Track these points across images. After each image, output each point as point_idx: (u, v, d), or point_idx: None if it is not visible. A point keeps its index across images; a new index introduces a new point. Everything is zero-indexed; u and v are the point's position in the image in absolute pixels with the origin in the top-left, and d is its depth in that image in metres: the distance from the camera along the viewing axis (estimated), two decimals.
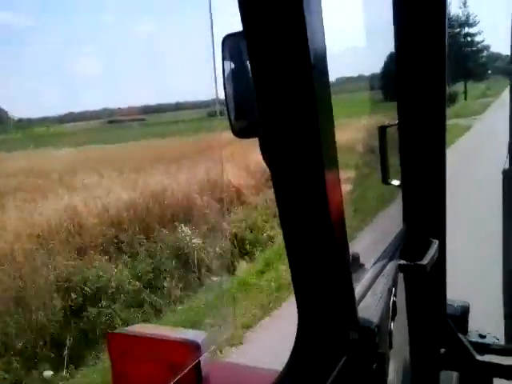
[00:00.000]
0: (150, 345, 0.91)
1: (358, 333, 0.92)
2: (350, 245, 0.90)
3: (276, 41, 0.67)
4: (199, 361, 0.87)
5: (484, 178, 8.00)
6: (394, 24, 1.30)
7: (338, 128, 0.80)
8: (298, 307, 0.88)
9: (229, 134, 0.91)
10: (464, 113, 29.95)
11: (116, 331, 1.04)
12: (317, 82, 0.68)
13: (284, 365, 0.89)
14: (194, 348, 0.86)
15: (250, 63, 0.69)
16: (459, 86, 43.66)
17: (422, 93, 1.35)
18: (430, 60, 1.31)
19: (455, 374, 1.77)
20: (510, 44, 2.31)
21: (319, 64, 0.69)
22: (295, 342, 0.89)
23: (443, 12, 1.28)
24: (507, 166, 2.20)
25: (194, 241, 7.06)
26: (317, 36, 0.68)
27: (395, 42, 1.32)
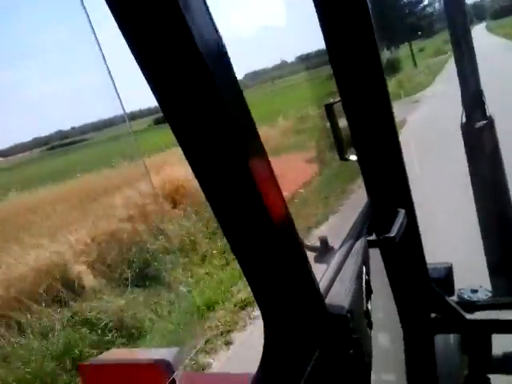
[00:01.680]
0: (122, 371, 0.91)
1: (328, 322, 0.91)
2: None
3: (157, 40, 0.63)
4: (173, 379, 0.88)
5: None
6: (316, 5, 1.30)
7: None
8: (260, 307, 0.86)
9: None
10: (404, 89, 21.41)
11: (88, 361, 1.04)
12: (224, 87, 0.66)
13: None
14: (165, 367, 0.86)
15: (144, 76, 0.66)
16: (404, 50, 36.83)
17: (356, 64, 1.34)
18: (356, 26, 1.30)
19: (453, 336, 1.81)
20: None
21: (222, 67, 0.67)
22: (264, 342, 0.88)
23: None
24: (464, 119, 2.25)
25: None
26: (210, 41, 0.65)
27: (320, 23, 1.32)
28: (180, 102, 0.68)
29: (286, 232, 0.80)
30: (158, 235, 8.66)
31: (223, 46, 0.68)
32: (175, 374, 0.86)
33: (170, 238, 8.65)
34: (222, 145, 0.70)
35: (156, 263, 7.78)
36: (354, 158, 1.53)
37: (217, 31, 0.67)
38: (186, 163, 0.72)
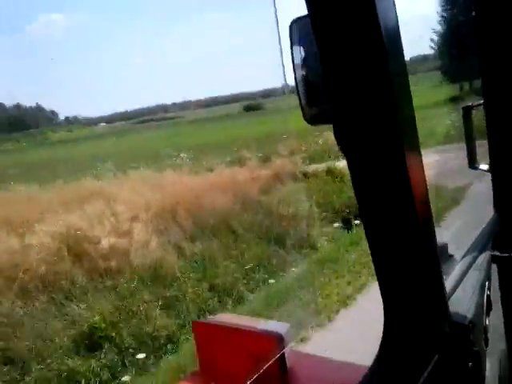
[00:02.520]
0: (234, 335, 0.94)
1: (449, 328, 0.89)
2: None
3: (345, 23, 0.64)
4: (283, 353, 0.89)
5: None
6: None
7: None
8: (384, 300, 0.85)
9: None
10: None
11: (201, 320, 1.10)
12: (392, 65, 0.65)
13: (371, 361, 0.87)
14: (277, 340, 0.87)
15: (318, 47, 0.67)
16: None
17: (509, 67, 1.26)
18: None
19: None
20: None
21: (393, 47, 0.66)
22: (383, 337, 0.87)
23: None
24: None
25: None
26: (389, 15, 0.64)
27: (475, 13, 1.25)
28: (348, 83, 0.67)
29: (425, 231, 0.78)
30: None
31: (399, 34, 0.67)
32: (286, 348, 0.87)
33: None
34: (381, 134, 0.69)
35: None
36: (484, 167, 1.45)
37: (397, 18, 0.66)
38: None
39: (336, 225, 7.99)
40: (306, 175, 10.11)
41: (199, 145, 16.00)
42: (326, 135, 11.86)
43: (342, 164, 9.89)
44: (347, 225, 7.72)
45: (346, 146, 0.73)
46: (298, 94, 0.81)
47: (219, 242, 7.23)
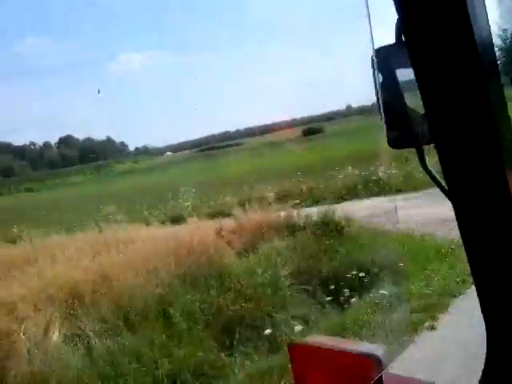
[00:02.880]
0: (330, 357, 0.96)
1: None
2: None
3: (441, 47, 0.72)
4: (381, 376, 0.92)
5: None
6: None
7: None
8: (487, 327, 0.87)
9: None
10: None
11: (296, 342, 1.12)
12: (491, 89, 0.73)
13: None
14: (375, 362, 0.90)
15: (415, 73, 0.76)
16: None
17: None
18: None
19: None
20: None
21: (490, 68, 0.74)
22: (485, 363, 0.88)
23: None
24: None
25: None
26: (485, 40, 0.72)
27: None
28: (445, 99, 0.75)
29: None
30: None
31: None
32: (383, 372, 0.90)
33: None
34: (480, 154, 0.76)
35: None
36: None
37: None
38: None
39: (317, 305, 6.72)
40: (294, 227, 8.98)
41: (226, 179, 17.64)
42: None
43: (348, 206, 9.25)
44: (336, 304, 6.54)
45: (445, 166, 0.80)
46: (382, 119, 0.90)
47: (142, 335, 5.91)
